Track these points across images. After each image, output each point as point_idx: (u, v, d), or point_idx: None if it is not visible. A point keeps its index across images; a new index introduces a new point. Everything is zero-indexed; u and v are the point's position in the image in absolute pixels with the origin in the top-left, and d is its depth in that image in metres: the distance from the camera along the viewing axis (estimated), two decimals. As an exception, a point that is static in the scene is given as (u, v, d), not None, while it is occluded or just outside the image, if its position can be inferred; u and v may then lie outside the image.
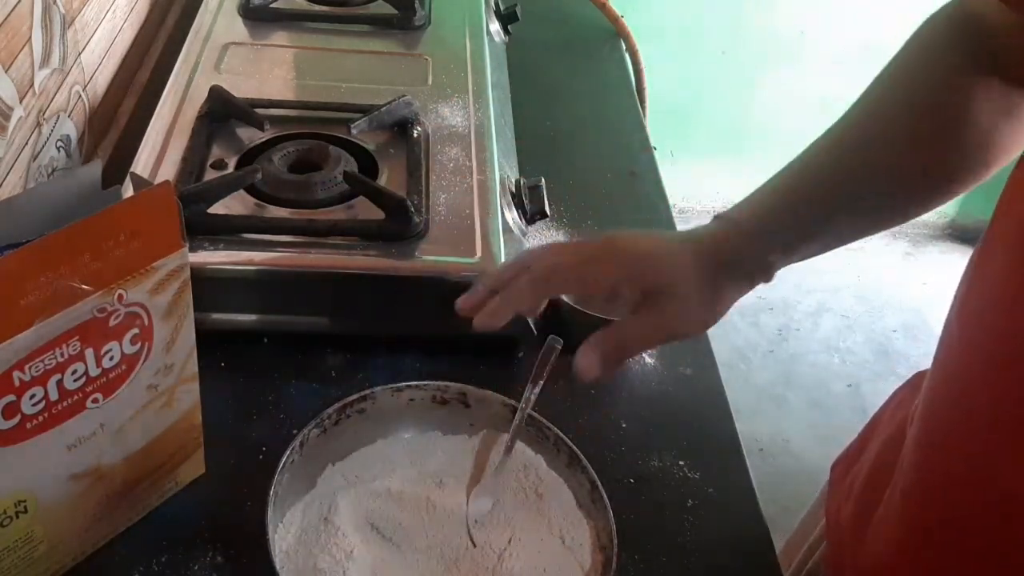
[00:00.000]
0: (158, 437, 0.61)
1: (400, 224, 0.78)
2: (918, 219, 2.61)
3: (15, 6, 0.76)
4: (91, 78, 0.97)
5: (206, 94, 0.90)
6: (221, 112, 0.89)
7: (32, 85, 0.81)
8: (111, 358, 0.52)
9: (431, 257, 0.78)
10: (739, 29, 2.35)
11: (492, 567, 0.63)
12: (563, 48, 1.31)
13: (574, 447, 0.67)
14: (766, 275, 0.64)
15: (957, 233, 2.72)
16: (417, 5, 1.10)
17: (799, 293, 2.47)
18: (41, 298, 0.46)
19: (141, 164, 0.83)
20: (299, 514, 0.64)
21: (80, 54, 0.93)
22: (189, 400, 0.62)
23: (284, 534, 0.62)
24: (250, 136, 0.89)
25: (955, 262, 2.62)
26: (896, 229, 2.71)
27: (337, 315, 0.79)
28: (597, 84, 1.25)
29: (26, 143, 0.81)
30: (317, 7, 1.12)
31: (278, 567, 0.58)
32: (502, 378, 0.76)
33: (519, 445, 0.69)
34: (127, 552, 0.63)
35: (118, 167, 0.88)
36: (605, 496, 0.64)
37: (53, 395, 0.50)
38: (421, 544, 0.63)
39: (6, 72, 0.76)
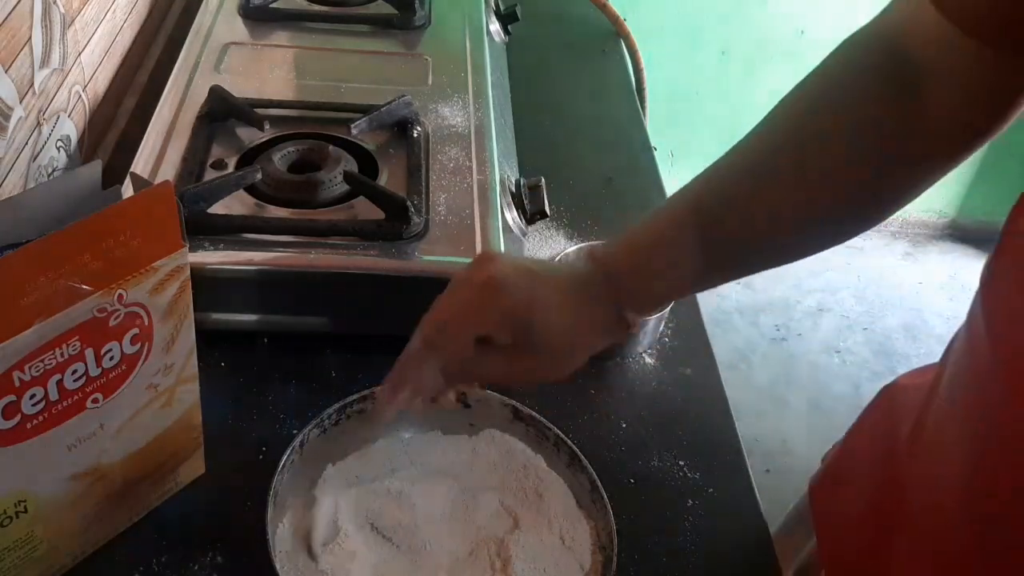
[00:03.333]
0: (158, 437, 0.61)
1: (400, 224, 0.78)
2: (918, 219, 2.62)
3: (15, 6, 0.76)
4: (91, 78, 0.97)
5: (206, 94, 0.90)
6: (221, 112, 0.89)
7: (32, 85, 0.81)
8: (111, 358, 0.52)
9: (431, 257, 0.78)
10: (739, 29, 2.35)
11: (492, 567, 0.63)
12: (563, 48, 1.31)
13: (574, 447, 0.67)
14: (632, 324, 0.61)
15: (957, 233, 2.72)
16: (417, 5, 1.10)
17: (799, 293, 2.47)
18: (41, 298, 0.46)
19: (141, 164, 0.83)
20: (299, 514, 0.64)
21: (80, 54, 0.93)
22: (189, 400, 0.62)
23: (284, 534, 0.62)
24: (250, 136, 0.89)
25: (955, 262, 2.62)
26: (896, 229, 2.72)
27: (337, 315, 0.79)
28: (597, 84, 1.25)
29: (26, 143, 0.81)
30: (317, 7, 1.12)
31: (278, 567, 0.58)
32: (502, 378, 0.76)
33: (519, 445, 0.70)
34: (127, 552, 0.63)
35: (118, 167, 0.88)
36: (605, 496, 0.64)
37: (53, 395, 0.50)
38: (421, 544, 0.63)
39: (6, 72, 0.76)
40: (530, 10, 1.23)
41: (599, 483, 0.65)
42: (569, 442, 0.67)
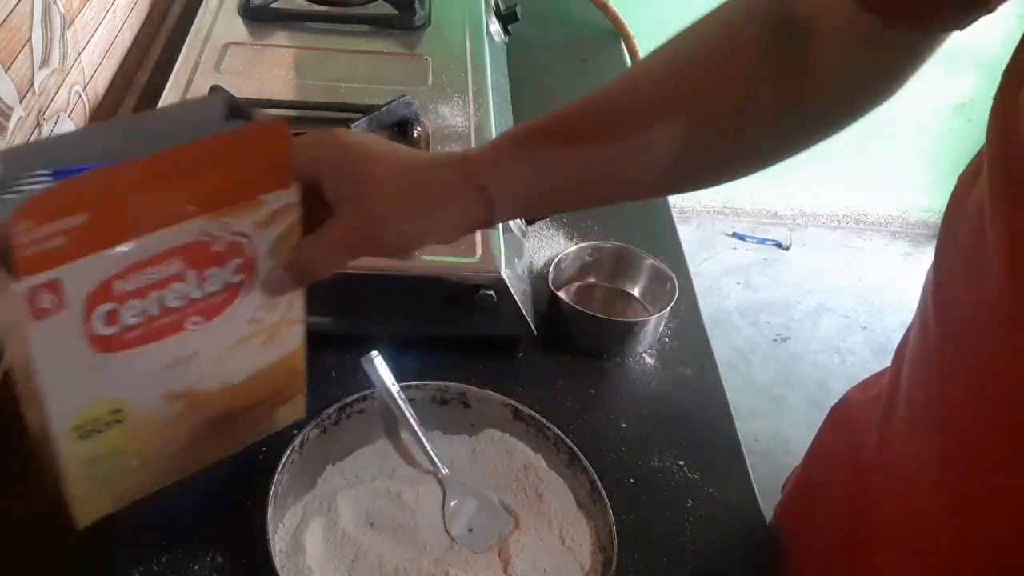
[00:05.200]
0: (257, 373, 0.59)
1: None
2: (918, 219, 2.60)
3: (15, 6, 0.76)
4: (91, 78, 0.97)
5: (206, 94, 0.90)
6: (221, 112, 0.89)
7: (32, 85, 0.81)
8: (213, 283, 0.52)
9: (431, 257, 0.78)
10: (739, 29, 2.35)
11: (492, 567, 0.63)
12: (563, 48, 1.31)
13: (574, 447, 0.67)
14: (487, 217, 0.58)
15: (957, 233, 2.72)
16: (417, 5, 1.10)
17: (799, 293, 2.47)
18: (147, 212, 0.46)
19: (141, 164, 0.82)
20: (299, 514, 0.64)
21: (80, 54, 0.93)
22: (293, 342, 0.60)
23: (284, 534, 0.62)
24: (250, 136, 0.89)
25: (955, 262, 2.61)
26: (896, 229, 2.72)
27: (337, 315, 0.79)
28: (597, 84, 1.24)
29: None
30: (317, 7, 1.12)
31: (278, 567, 0.58)
32: (502, 378, 0.76)
33: (519, 445, 0.70)
34: (127, 552, 0.63)
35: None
36: (605, 496, 0.64)
37: (153, 310, 0.50)
38: (421, 544, 0.63)
39: (6, 72, 0.76)
40: (530, 10, 1.23)
41: (599, 483, 0.65)
42: (569, 442, 0.67)
